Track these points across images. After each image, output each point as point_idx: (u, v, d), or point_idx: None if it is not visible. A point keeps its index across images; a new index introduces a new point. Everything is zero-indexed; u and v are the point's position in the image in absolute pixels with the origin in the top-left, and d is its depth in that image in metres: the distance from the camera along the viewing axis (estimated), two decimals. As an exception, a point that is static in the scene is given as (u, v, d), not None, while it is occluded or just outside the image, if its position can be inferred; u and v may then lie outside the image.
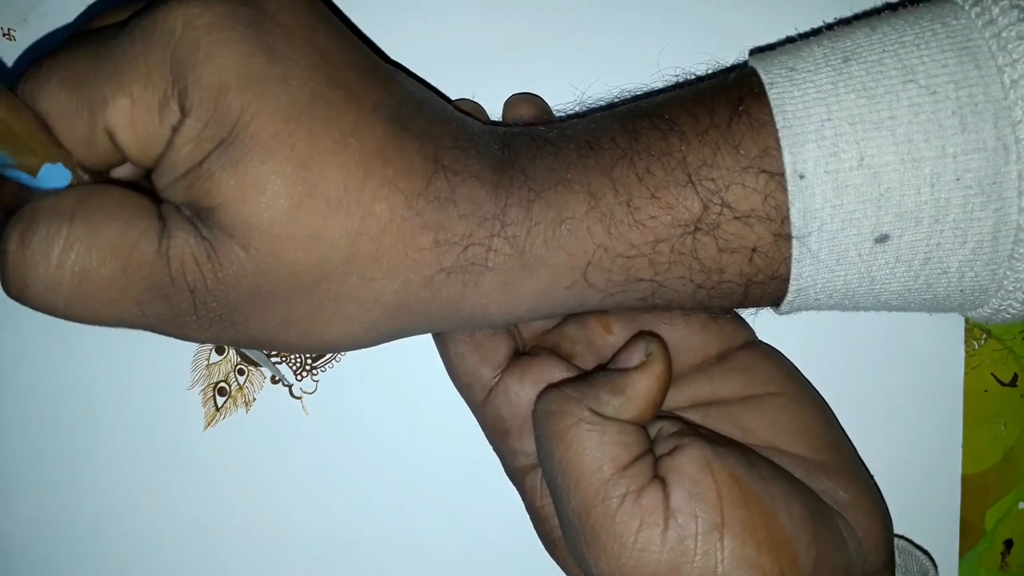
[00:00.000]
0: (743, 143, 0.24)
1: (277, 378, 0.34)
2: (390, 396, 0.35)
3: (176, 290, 0.23)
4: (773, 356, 0.31)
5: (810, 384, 0.31)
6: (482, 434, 0.31)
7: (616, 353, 0.29)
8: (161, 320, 0.24)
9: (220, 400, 0.35)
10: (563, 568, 0.29)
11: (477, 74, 0.33)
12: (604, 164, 0.25)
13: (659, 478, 0.26)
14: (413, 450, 0.35)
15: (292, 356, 0.35)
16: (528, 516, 0.30)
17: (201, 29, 0.22)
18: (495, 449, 0.30)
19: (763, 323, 0.32)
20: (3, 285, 0.24)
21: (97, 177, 0.25)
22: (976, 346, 0.35)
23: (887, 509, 0.29)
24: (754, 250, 0.25)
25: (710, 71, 0.30)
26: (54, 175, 0.24)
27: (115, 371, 0.35)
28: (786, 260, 0.25)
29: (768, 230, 0.24)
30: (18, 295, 0.24)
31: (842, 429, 0.31)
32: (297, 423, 0.35)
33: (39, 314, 0.35)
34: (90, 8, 0.34)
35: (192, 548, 0.35)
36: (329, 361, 0.35)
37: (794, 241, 0.24)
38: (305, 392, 0.35)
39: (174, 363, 0.35)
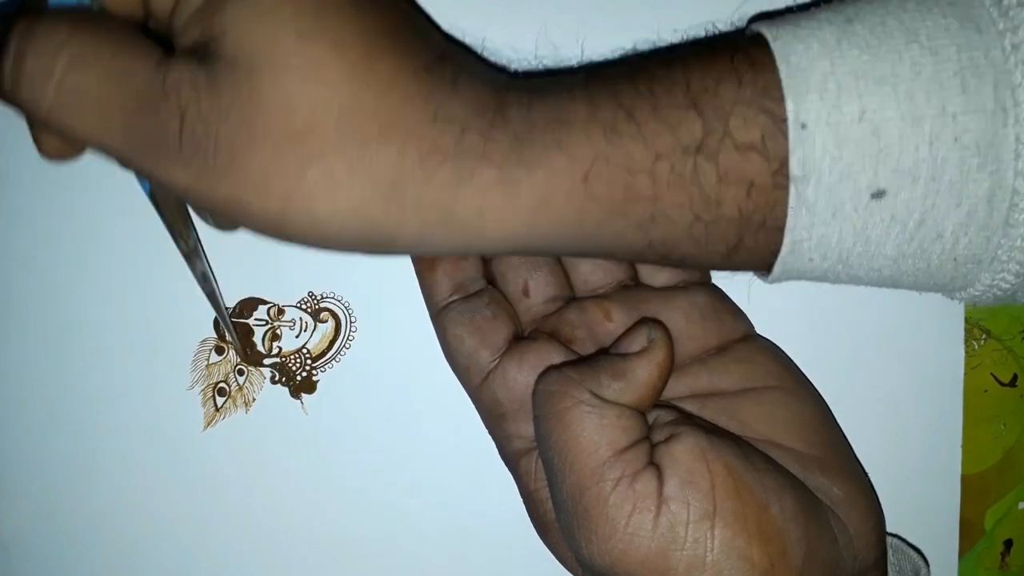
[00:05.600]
0: (745, 79, 0.24)
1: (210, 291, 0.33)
2: (390, 397, 0.35)
3: (167, 107, 0.23)
4: (772, 350, 0.31)
5: (808, 380, 0.31)
6: (482, 435, 0.31)
7: (618, 338, 0.29)
8: (143, 144, 0.24)
9: (220, 400, 0.35)
10: (554, 553, 0.30)
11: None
12: (607, 84, 0.25)
13: (654, 465, 0.26)
14: (413, 450, 0.35)
15: (291, 356, 0.35)
16: (523, 503, 0.30)
17: None
18: (491, 433, 0.30)
19: (763, 325, 0.32)
20: (0, 74, 0.24)
21: None
22: (976, 346, 0.35)
23: (880, 508, 0.29)
24: (752, 184, 0.24)
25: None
26: None
27: (114, 371, 0.35)
28: (782, 206, 0.25)
29: (767, 169, 0.24)
30: (12, 82, 0.24)
31: (838, 426, 0.31)
32: (297, 423, 0.35)
33: (39, 314, 0.35)
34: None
35: (192, 548, 0.35)
36: (329, 361, 0.35)
37: (791, 188, 0.24)
38: (304, 393, 0.35)
39: (174, 363, 0.35)
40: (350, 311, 0.35)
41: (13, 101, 0.24)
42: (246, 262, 0.34)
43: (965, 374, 0.35)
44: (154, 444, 0.35)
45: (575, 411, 0.26)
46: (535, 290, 0.31)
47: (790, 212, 0.25)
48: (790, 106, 0.24)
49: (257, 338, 0.35)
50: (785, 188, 0.24)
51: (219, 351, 0.35)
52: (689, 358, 0.31)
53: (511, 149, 0.24)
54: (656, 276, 0.32)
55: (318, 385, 0.35)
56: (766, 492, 0.26)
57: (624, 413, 0.26)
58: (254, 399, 0.35)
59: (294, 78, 0.23)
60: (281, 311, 0.35)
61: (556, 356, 0.29)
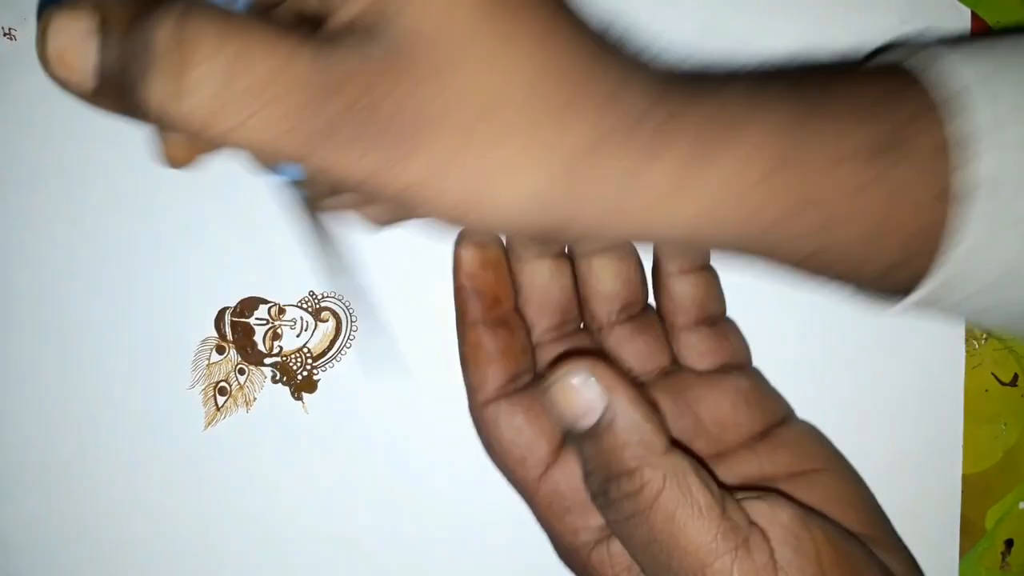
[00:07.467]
0: (926, 87, 0.24)
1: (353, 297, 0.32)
2: (391, 396, 0.35)
3: (340, 96, 0.21)
4: (813, 431, 0.31)
5: (845, 458, 0.31)
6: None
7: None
8: (315, 139, 0.21)
9: (220, 400, 0.35)
10: None
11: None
12: (790, 84, 0.24)
13: (755, 525, 0.25)
14: (413, 449, 0.35)
15: (292, 356, 0.35)
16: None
17: None
18: (550, 527, 0.30)
19: (764, 326, 0.32)
20: (145, 74, 0.20)
21: None
22: (976, 346, 0.35)
23: None
24: (931, 196, 0.24)
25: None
26: None
27: (115, 370, 0.35)
28: (956, 219, 0.24)
29: (944, 182, 0.24)
30: (168, 100, 0.20)
31: (877, 501, 0.31)
32: (298, 423, 0.35)
33: (40, 314, 0.35)
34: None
35: (192, 548, 0.35)
36: (330, 361, 0.35)
37: (969, 198, 0.24)
38: (305, 392, 0.35)
39: (174, 363, 0.35)
40: (351, 311, 0.35)
41: (164, 119, 0.20)
42: (247, 261, 0.34)
43: (966, 373, 0.35)
44: (155, 443, 0.35)
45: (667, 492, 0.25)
46: None
47: (965, 224, 0.24)
48: (971, 117, 0.24)
49: (258, 337, 0.35)
50: (962, 201, 0.24)
51: (220, 350, 0.35)
52: (737, 445, 0.30)
53: (689, 143, 0.23)
54: (698, 361, 0.31)
55: (319, 384, 0.35)
56: (859, 559, 0.26)
57: (703, 472, 0.25)
58: (255, 398, 0.35)
59: (479, 59, 0.21)
60: (282, 310, 0.35)
61: None
